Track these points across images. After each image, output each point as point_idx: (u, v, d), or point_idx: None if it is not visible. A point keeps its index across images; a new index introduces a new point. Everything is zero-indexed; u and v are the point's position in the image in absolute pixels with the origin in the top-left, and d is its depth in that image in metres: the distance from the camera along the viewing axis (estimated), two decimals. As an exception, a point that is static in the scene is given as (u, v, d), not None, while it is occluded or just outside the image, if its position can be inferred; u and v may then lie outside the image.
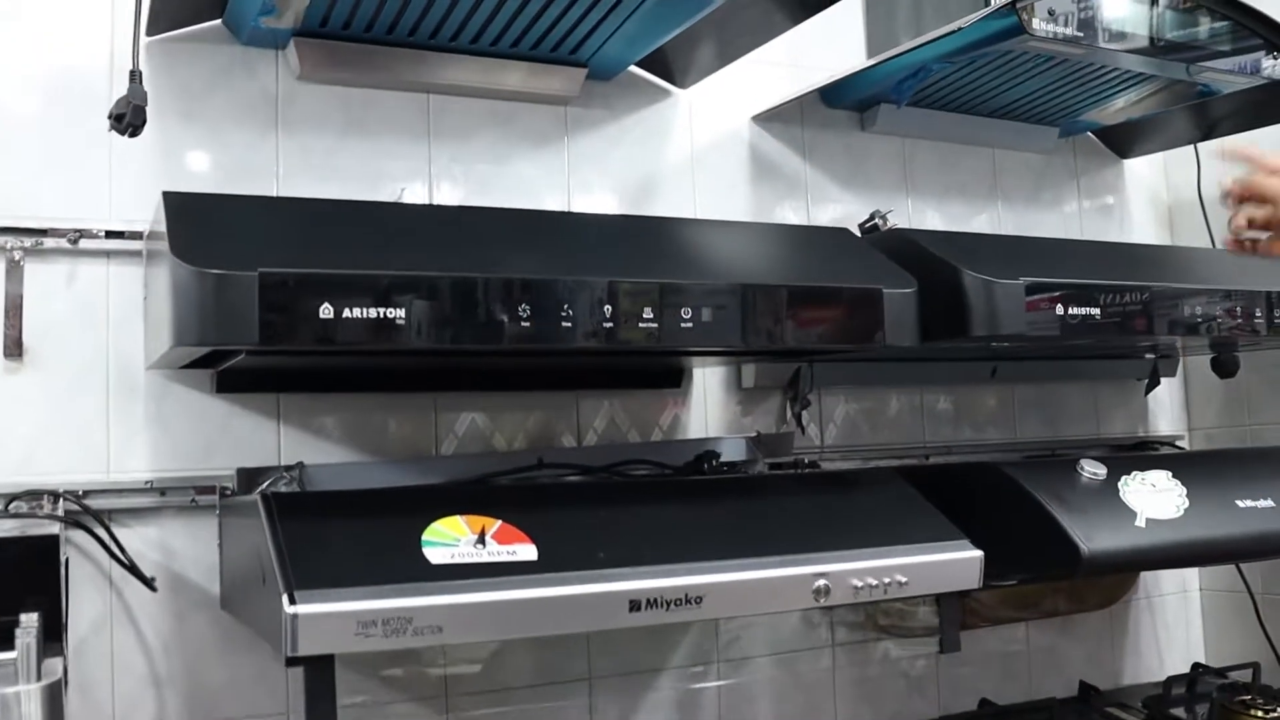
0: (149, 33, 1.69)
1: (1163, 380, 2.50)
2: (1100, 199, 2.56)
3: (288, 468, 1.68)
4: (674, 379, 1.95)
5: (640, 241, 1.53)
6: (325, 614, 1.15)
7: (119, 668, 1.63)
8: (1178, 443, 2.54)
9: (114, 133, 1.43)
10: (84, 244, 1.64)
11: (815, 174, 2.18)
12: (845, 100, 2.17)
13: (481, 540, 1.30)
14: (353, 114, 1.83)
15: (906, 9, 2.22)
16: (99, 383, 1.65)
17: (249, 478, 1.66)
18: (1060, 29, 1.83)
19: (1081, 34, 1.86)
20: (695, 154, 2.09)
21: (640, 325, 1.33)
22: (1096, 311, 1.70)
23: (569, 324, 1.30)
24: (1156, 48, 1.97)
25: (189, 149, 1.74)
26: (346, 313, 1.21)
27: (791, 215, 2.14)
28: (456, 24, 1.73)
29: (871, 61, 1.98)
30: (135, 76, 1.41)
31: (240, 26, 1.74)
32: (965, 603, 2.07)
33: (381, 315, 1.23)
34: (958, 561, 1.51)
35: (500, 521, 1.33)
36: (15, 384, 1.60)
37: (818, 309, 1.46)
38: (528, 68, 1.88)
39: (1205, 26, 1.98)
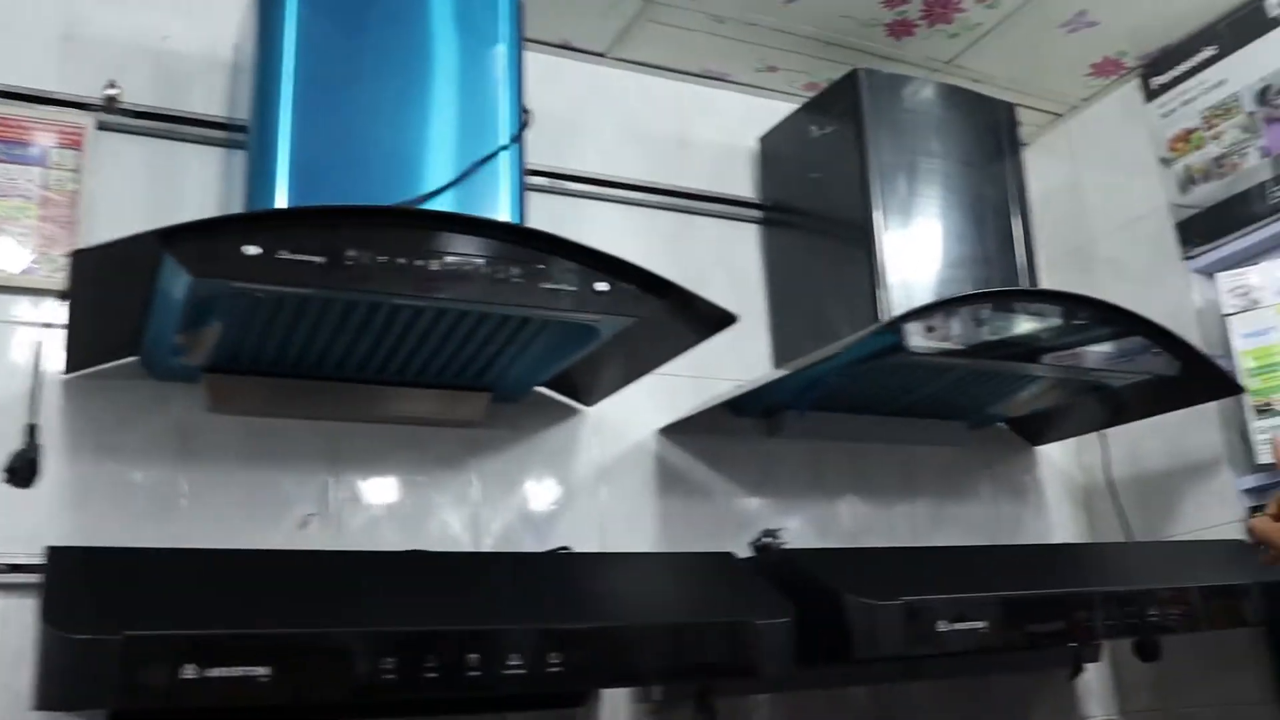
0: (68, 370, 1.78)
1: (1089, 666, 2.51)
2: (1014, 487, 2.62)
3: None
4: (574, 698, 1.95)
5: (516, 581, 1.57)
6: None
7: None
8: (1110, 728, 2.54)
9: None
10: (-15, 578, 1.67)
11: (724, 482, 2.24)
12: (752, 409, 2.25)
13: None
14: (260, 443, 1.89)
15: (807, 318, 2.31)
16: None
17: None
18: (939, 343, 1.92)
19: (962, 346, 1.95)
20: (602, 468, 2.15)
21: (506, 672, 1.36)
22: (983, 625, 1.73)
23: (434, 674, 1.33)
24: (1040, 351, 2.06)
25: (98, 481, 1.79)
26: (211, 673, 1.24)
27: (701, 524, 2.19)
28: (359, 359, 1.82)
29: (764, 380, 2.07)
30: (31, 431, 1.48)
31: (155, 363, 1.82)
32: None
33: (246, 674, 1.26)
34: None
35: None
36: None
37: (689, 646, 1.48)
38: (433, 395, 1.96)
39: (1081, 327, 2.07)
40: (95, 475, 1.79)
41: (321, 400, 1.91)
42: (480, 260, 1.57)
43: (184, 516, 1.82)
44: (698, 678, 1.51)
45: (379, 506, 1.95)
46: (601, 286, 1.63)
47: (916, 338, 1.89)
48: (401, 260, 1.53)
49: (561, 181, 2.26)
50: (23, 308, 1.82)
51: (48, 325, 1.80)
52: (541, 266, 1.60)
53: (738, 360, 2.30)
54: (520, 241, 1.59)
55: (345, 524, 1.92)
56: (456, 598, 1.50)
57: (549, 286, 1.61)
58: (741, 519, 2.22)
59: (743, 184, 2.50)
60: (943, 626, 1.68)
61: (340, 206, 1.58)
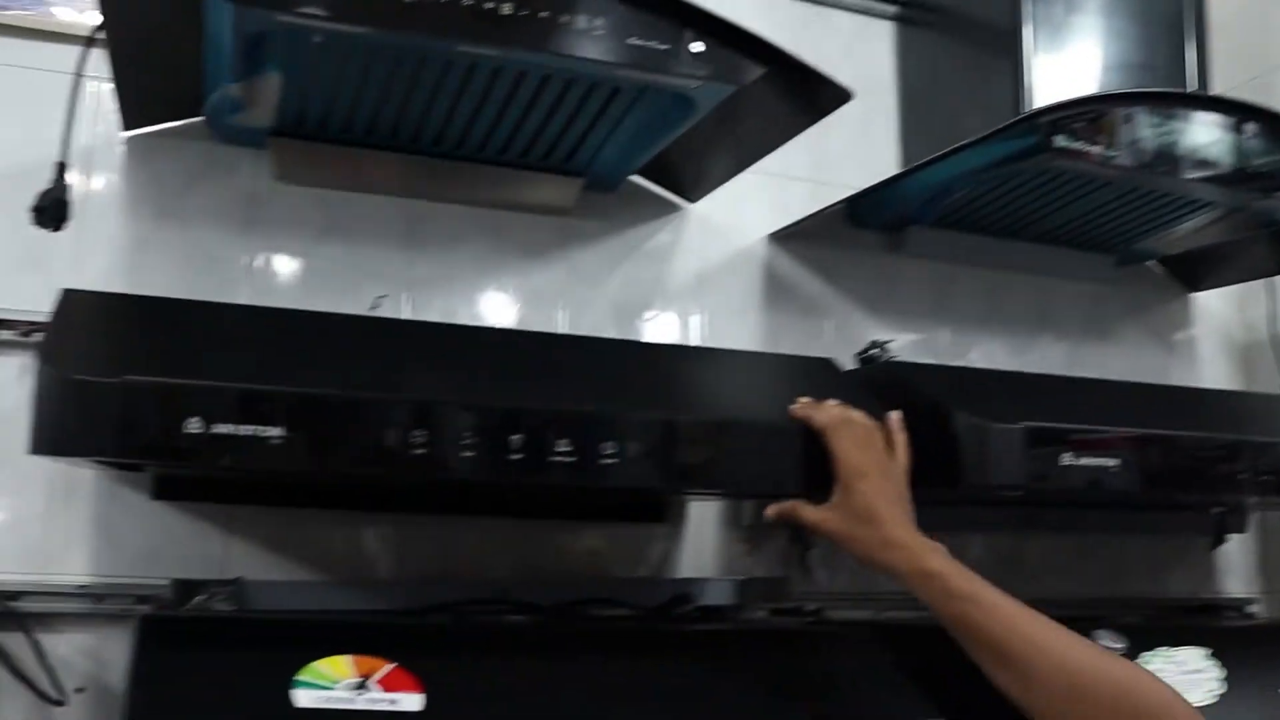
0: (126, 126, 1.66)
1: (1233, 537, 2.27)
2: (1163, 335, 2.36)
3: (224, 582, 1.57)
4: (654, 513, 1.80)
5: (589, 366, 1.42)
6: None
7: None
8: (1249, 608, 2.29)
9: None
10: (37, 338, 1.57)
11: (839, 299, 2.03)
12: (873, 220, 2.02)
13: (363, 685, 1.18)
14: (332, 217, 1.75)
15: (942, 128, 2.07)
16: (40, 481, 1.57)
17: (185, 590, 1.56)
18: (1091, 148, 1.68)
19: (1118, 154, 1.70)
20: (704, 273, 1.96)
21: (553, 459, 1.20)
22: (1114, 463, 1.52)
23: (470, 452, 1.18)
24: (1210, 170, 1.79)
25: (159, 246, 1.68)
26: (218, 429, 1.12)
27: (809, 343, 1.99)
28: (435, 130, 1.66)
29: (883, 178, 1.84)
30: (60, 169, 1.36)
31: (219, 125, 1.69)
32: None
33: (256, 433, 1.13)
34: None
35: (393, 665, 1.21)
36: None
37: (752, 448, 1.31)
38: (519, 176, 1.79)
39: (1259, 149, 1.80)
40: (154, 238, 1.68)
41: (398, 175, 1.75)
42: (559, 7, 1.38)
43: (246, 287, 1.70)
44: (771, 490, 1.33)
45: (457, 294, 1.80)
46: (697, 47, 1.43)
47: (1062, 138, 1.64)
48: (467, 1, 1.35)
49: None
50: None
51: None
52: (629, 19, 1.40)
53: (861, 168, 2.07)
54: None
55: (420, 309, 1.77)
56: (514, 375, 1.34)
57: (636, 43, 1.41)
58: (853, 340, 1.99)
59: (884, -24, 2.24)
60: (1067, 460, 1.47)
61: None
